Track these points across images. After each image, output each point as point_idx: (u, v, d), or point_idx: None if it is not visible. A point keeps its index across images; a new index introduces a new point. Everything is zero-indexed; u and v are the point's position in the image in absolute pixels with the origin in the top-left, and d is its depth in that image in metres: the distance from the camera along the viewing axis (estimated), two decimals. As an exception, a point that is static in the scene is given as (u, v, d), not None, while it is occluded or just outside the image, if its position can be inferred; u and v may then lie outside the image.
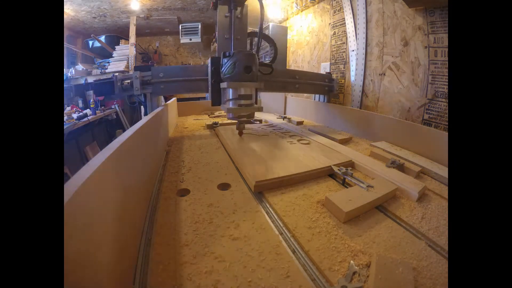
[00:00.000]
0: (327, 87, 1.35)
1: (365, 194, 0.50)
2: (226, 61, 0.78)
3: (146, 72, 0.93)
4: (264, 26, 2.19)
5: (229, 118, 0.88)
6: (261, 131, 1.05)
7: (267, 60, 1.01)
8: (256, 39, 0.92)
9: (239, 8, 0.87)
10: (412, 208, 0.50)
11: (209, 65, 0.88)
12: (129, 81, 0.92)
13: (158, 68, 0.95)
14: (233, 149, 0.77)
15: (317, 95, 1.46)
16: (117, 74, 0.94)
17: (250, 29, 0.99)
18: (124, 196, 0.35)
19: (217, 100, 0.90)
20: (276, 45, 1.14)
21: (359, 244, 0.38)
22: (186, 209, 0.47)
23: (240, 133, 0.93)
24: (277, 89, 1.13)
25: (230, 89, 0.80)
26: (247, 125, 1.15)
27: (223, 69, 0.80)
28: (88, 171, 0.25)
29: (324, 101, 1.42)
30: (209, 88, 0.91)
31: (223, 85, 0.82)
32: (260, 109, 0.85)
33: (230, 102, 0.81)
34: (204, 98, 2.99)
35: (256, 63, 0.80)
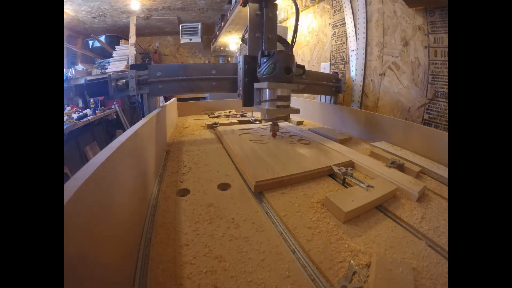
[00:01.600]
0: (334, 87, 1.30)
1: (365, 194, 0.50)
2: (265, 60, 0.76)
3: (143, 71, 0.87)
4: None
5: (264, 120, 0.89)
6: (261, 131, 1.05)
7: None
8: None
9: (270, 7, 0.87)
10: (412, 208, 0.50)
11: (242, 63, 0.86)
12: (124, 80, 0.85)
13: (155, 67, 0.88)
14: (233, 149, 0.77)
15: (323, 96, 1.42)
16: (111, 73, 0.86)
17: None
18: (124, 196, 0.35)
19: (249, 100, 0.88)
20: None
21: (359, 244, 0.38)
22: (186, 209, 0.47)
23: (274, 135, 0.92)
24: None
25: (267, 90, 0.79)
26: (247, 125, 1.16)
27: (261, 68, 0.78)
28: (88, 171, 0.25)
29: (331, 102, 1.36)
30: (241, 88, 0.89)
31: (261, 85, 0.80)
32: (298, 111, 0.84)
33: (267, 103, 0.80)
34: (204, 98, 2.98)
35: (295, 64, 0.80)
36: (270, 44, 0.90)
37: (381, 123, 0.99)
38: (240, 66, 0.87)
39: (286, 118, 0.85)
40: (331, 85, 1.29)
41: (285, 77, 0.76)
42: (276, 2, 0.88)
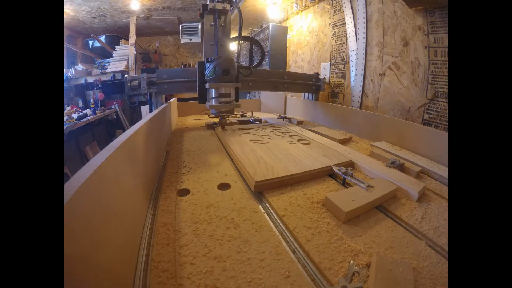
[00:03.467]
0: (314, 86, 1.47)
1: (365, 194, 0.50)
2: (208, 65, 0.90)
3: (152, 74, 1.10)
4: (264, 26, 2.19)
5: (212, 114, 1.02)
6: (261, 131, 1.05)
7: (255, 62, 1.18)
8: (250, 42, 1.05)
9: (222, 17, 0.98)
10: (412, 208, 0.50)
11: (196, 68, 0.99)
12: (137, 81, 1.07)
13: (162, 71, 1.12)
14: (233, 149, 0.77)
15: (306, 94, 1.58)
16: (126, 75, 1.11)
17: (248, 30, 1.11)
18: (124, 196, 0.35)
19: (203, 99, 1.01)
20: (263, 49, 1.29)
21: (359, 244, 0.38)
22: (186, 209, 0.47)
23: (223, 127, 1.05)
24: (269, 89, 1.29)
25: (212, 89, 0.92)
26: (247, 125, 1.17)
27: (206, 72, 0.91)
28: (88, 171, 0.25)
29: (312, 99, 1.52)
30: (197, 89, 1.02)
31: (207, 85, 0.93)
32: (238, 106, 0.99)
33: (213, 100, 0.93)
34: (204, 98, 2.98)
35: (234, 67, 0.93)
36: (223, 51, 1.01)
37: (381, 123, 0.99)
38: (196, 70, 1.01)
39: (230, 112, 1.00)
40: (311, 84, 1.46)
41: (223, 78, 0.88)
42: (229, 13, 0.98)
